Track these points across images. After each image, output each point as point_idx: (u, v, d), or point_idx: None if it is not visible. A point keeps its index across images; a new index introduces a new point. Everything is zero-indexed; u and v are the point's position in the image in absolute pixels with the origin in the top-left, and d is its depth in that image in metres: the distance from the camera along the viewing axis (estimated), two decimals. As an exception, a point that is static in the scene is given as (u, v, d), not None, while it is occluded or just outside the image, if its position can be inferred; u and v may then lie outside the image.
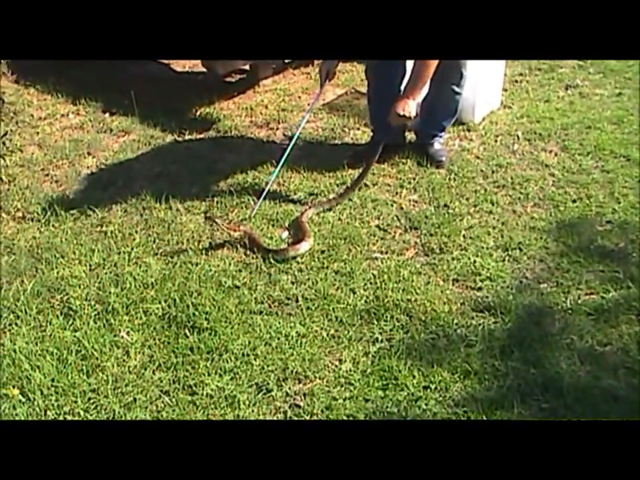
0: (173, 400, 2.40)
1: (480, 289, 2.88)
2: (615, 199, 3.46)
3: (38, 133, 4.26)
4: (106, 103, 4.56)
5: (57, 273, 3.00)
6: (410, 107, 3.33)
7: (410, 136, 3.93)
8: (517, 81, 4.85)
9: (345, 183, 3.57)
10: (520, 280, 2.93)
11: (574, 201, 3.46)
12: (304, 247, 3.07)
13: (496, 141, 4.02)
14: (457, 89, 3.68)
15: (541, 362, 2.50)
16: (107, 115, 4.44)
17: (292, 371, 2.49)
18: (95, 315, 2.76)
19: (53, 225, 3.33)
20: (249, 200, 3.45)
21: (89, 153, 4.01)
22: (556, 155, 3.90)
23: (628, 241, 3.16)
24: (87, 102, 4.56)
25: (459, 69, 3.60)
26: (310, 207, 3.36)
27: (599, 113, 4.37)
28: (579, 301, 2.80)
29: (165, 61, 5.34)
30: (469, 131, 4.06)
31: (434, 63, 3.29)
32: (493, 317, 2.73)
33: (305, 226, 3.21)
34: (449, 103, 3.75)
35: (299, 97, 4.65)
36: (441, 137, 3.80)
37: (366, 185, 3.54)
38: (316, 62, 5.09)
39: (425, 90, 3.48)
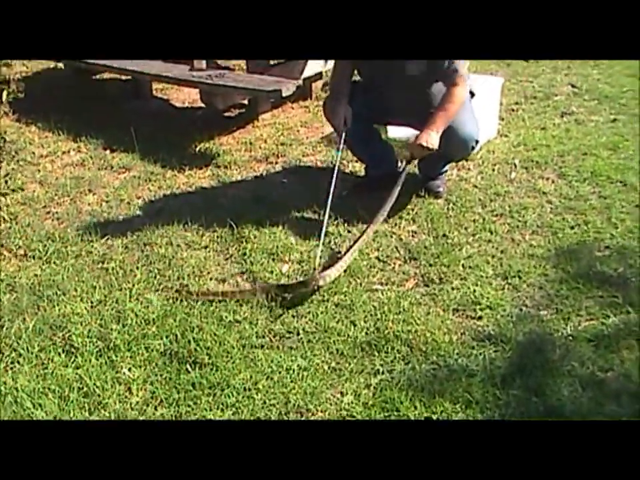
0: (176, 436, 2.40)
1: (480, 318, 2.89)
2: (612, 225, 3.47)
3: (39, 170, 4.30)
4: (106, 140, 4.60)
5: (59, 310, 3.01)
6: (433, 139, 3.35)
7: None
8: (513, 110, 4.90)
9: (343, 216, 3.57)
10: (520, 308, 2.94)
11: (572, 228, 3.47)
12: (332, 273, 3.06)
13: (493, 169, 4.05)
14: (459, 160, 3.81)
15: (542, 390, 2.49)
16: (108, 151, 4.48)
17: (294, 405, 2.49)
18: (97, 352, 2.76)
19: (54, 262, 3.35)
20: (249, 234, 3.47)
21: (89, 190, 4.04)
22: (553, 182, 3.92)
23: (627, 266, 3.16)
24: (88, 139, 4.61)
25: (465, 148, 3.62)
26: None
27: (595, 139, 4.41)
28: (579, 328, 2.80)
29: (165, 97, 5.42)
30: (466, 160, 4.07)
31: (462, 100, 3.39)
32: (493, 345, 2.72)
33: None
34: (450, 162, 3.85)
35: (298, 131, 4.69)
36: (442, 173, 3.84)
37: (364, 217, 3.55)
38: (314, 95, 5.15)
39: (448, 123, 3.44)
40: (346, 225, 3.53)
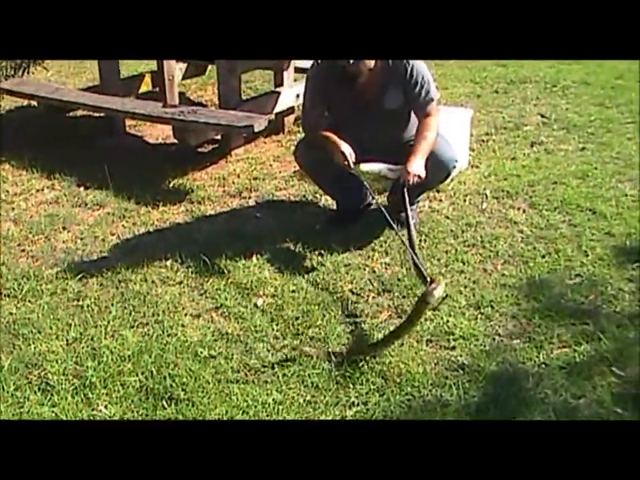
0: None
1: (453, 348, 2.91)
2: (583, 253, 3.53)
3: (13, 209, 4.29)
4: (80, 177, 4.61)
5: (35, 348, 3.00)
6: (421, 166, 3.37)
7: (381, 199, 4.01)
8: (483, 141, 4.97)
9: (317, 249, 3.62)
10: (493, 337, 2.97)
11: (543, 257, 3.52)
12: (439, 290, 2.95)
13: (465, 200, 4.10)
14: (438, 185, 3.86)
15: (516, 418, 2.51)
16: (82, 188, 4.48)
17: (270, 439, 2.50)
18: (73, 390, 2.75)
19: (29, 301, 3.34)
20: (223, 269, 3.49)
21: (64, 228, 4.04)
22: (524, 211, 3.98)
23: (597, 293, 3.21)
24: (62, 177, 4.61)
25: (446, 171, 3.67)
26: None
27: (564, 168, 4.48)
28: (552, 355, 2.84)
29: (138, 133, 5.44)
30: (438, 192, 4.13)
31: (438, 127, 3.48)
32: (467, 375, 2.75)
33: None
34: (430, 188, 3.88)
35: (271, 165, 4.72)
36: (414, 204, 3.87)
37: (337, 251, 3.60)
38: (287, 129, 5.19)
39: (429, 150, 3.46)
40: (319, 258, 3.56)
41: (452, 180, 4.22)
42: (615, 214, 3.87)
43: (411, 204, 3.75)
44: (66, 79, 6.99)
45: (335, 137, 3.46)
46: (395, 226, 3.34)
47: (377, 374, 2.76)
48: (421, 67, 3.46)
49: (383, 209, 3.40)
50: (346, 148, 3.42)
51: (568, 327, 3.00)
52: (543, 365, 2.79)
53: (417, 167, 3.36)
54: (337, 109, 3.65)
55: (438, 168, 3.55)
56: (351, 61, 3.30)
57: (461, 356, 2.86)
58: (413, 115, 3.61)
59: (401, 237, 3.37)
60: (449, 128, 3.86)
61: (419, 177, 3.37)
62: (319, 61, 3.54)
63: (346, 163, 3.40)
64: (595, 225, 3.78)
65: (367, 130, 3.53)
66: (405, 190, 3.40)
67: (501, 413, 2.53)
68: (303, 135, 3.94)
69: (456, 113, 4.61)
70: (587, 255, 3.50)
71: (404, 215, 3.70)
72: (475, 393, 2.66)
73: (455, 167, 3.70)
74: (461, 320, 3.05)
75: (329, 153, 3.46)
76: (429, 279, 2.99)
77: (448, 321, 3.04)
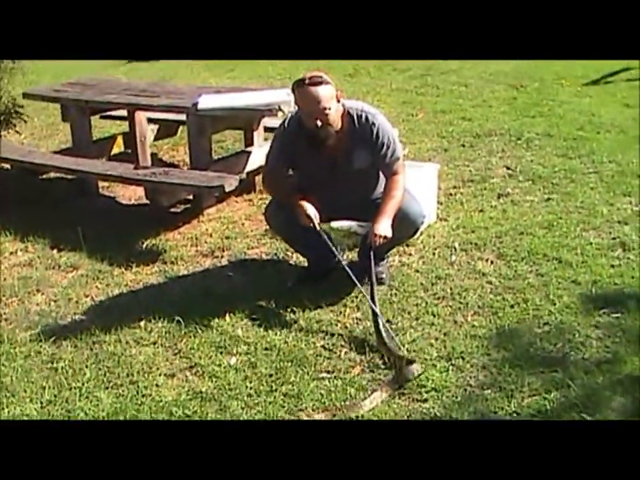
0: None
1: (426, 400, 2.94)
2: (550, 301, 3.59)
3: (-14, 272, 4.30)
4: (54, 239, 4.63)
5: (8, 412, 3.00)
6: (388, 228, 3.47)
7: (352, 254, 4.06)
8: (451, 194, 5.04)
9: (289, 306, 3.65)
10: (464, 388, 3.00)
11: (512, 307, 3.57)
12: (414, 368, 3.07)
13: (434, 253, 4.16)
14: (408, 240, 3.93)
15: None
16: (55, 250, 4.50)
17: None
18: (48, 454, 2.76)
19: (3, 364, 3.34)
20: (196, 328, 3.51)
21: (38, 290, 4.06)
22: (492, 262, 4.04)
23: (565, 341, 3.27)
24: (35, 239, 4.63)
25: (415, 226, 3.74)
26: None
27: (531, 218, 4.56)
28: (523, 404, 2.88)
29: (111, 194, 5.47)
30: (407, 246, 4.18)
31: (404, 185, 3.57)
32: (439, 427, 2.79)
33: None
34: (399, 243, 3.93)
35: (243, 224, 4.76)
36: (385, 259, 3.91)
37: (309, 307, 3.64)
38: (258, 188, 5.24)
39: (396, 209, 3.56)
40: (292, 315, 3.60)
41: (421, 234, 4.27)
42: (581, 262, 3.94)
43: (382, 259, 3.82)
44: (38, 142, 7.04)
45: (298, 200, 3.53)
46: (359, 285, 3.48)
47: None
48: (386, 127, 3.54)
49: (347, 269, 3.51)
50: (311, 210, 3.49)
51: (538, 375, 3.04)
52: (515, 414, 2.82)
53: (383, 228, 3.45)
54: (304, 170, 3.70)
55: (406, 224, 3.62)
56: (319, 124, 3.38)
57: (433, 408, 2.89)
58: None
59: (370, 303, 3.46)
60: (417, 183, 3.94)
61: (385, 237, 3.45)
62: (287, 123, 3.61)
63: (311, 225, 3.48)
64: (561, 273, 3.84)
65: (335, 190, 3.60)
66: (371, 252, 3.48)
67: (474, 464, 2.56)
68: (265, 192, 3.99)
69: (423, 167, 4.70)
70: (555, 304, 3.56)
71: (376, 270, 3.77)
72: (448, 445, 2.69)
73: (422, 222, 3.76)
74: (432, 372, 3.09)
75: (294, 215, 3.53)
76: (404, 359, 3.08)
77: (420, 374, 3.08)
